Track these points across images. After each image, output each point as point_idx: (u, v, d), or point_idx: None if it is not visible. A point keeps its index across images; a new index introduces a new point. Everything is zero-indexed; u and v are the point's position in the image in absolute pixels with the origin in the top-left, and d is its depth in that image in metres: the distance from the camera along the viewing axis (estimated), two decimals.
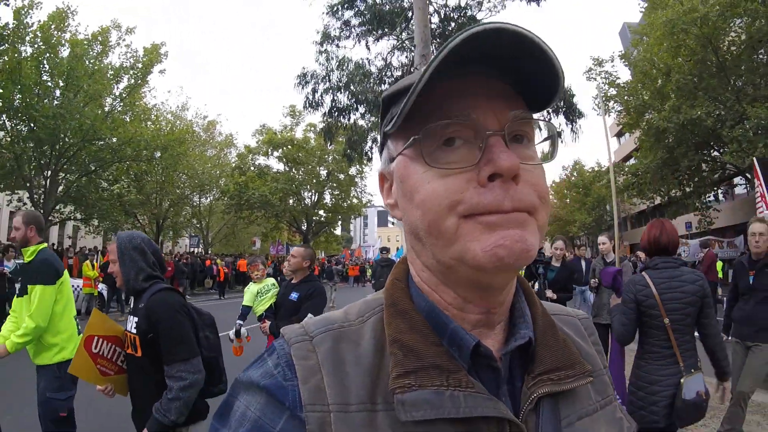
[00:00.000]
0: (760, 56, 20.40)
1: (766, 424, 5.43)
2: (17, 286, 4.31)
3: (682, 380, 3.32)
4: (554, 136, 0.68)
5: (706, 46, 19.70)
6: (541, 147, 0.68)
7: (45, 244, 4.02)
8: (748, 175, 18.23)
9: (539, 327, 0.72)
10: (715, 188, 27.56)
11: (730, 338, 5.05)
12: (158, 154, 25.99)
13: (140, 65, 23.78)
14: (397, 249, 26.00)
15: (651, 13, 23.37)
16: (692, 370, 3.37)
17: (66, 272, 4.09)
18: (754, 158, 11.09)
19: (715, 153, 23.04)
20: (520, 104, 0.65)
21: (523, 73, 0.63)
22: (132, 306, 2.84)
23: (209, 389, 2.82)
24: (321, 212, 42.92)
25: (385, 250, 15.97)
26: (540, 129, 0.68)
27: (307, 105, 15.37)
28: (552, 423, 0.66)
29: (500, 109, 0.63)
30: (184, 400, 2.55)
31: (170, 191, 31.61)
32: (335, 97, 15.00)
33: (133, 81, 24.00)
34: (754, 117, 17.50)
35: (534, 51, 0.59)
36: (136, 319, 2.70)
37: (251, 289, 6.66)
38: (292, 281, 5.14)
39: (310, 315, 4.17)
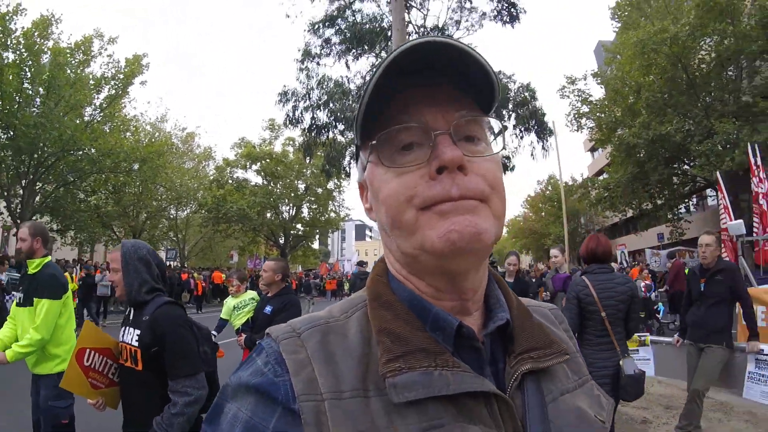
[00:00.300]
0: (729, 73, 21.07)
1: (727, 421, 5.77)
2: (8, 297, 4.34)
3: (621, 362, 4.01)
4: (502, 131, 0.73)
5: (676, 64, 20.31)
6: (497, 144, 0.73)
7: (49, 257, 4.04)
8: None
9: (515, 311, 0.76)
10: (686, 200, 28.24)
11: (685, 341, 5.36)
12: (137, 167, 25.64)
13: (122, 76, 23.60)
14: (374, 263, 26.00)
15: (623, 33, 23.96)
16: (626, 355, 4.07)
17: (70, 286, 4.13)
18: (718, 172, 11.57)
19: (685, 167, 23.61)
20: (468, 106, 0.71)
21: (464, 79, 0.70)
22: (131, 318, 2.75)
23: (205, 404, 2.70)
24: (299, 226, 42.57)
25: (362, 263, 16.15)
26: (491, 128, 0.74)
27: (288, 122, 15.51)
28: (537, 398, 0.70)
29: (448, 112, 0.69)
30: (188, 416, 2.51)
31: (148, 204, 31.20)
32: (315, 115, 15.14)
33: (113, 91, 23.80)
34: (721, 132, 18.09)
35: (465, 58, 0.67)
36: (137, 331, 2.63)
37: (228, 303, 6.77)
38: (268, 295, 5.21)
39: None
